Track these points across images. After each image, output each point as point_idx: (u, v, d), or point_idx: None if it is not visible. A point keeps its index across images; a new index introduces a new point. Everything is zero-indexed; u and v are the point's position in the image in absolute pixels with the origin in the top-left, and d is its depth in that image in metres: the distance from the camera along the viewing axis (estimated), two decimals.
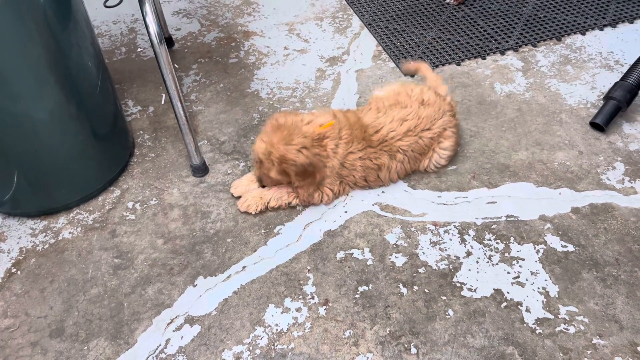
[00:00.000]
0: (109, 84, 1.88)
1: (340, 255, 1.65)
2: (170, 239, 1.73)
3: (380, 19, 2.67)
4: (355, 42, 2.53)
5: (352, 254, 1.65)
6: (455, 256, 1.63)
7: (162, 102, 2.26)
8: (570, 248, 1.62)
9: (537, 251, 1.62)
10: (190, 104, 2.25)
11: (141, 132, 2.13)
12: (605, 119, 1.95)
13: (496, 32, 2.51)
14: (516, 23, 2.56)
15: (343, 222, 1.75)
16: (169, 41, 2.56)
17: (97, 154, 1.84)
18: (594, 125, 1.99)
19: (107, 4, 2.92)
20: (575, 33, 2.48)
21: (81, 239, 1.75)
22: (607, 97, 1.98)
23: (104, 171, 1.89)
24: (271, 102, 2.22)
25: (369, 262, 1.62)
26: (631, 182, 1.80)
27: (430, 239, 1.68)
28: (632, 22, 2.52)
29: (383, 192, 1.83)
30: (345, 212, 1.78)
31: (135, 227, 1.78)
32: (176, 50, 2.56)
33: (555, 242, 1.64)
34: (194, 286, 1.60)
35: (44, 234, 1.78)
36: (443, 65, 2.35)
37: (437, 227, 1.71)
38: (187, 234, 1.74)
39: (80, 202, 1.86)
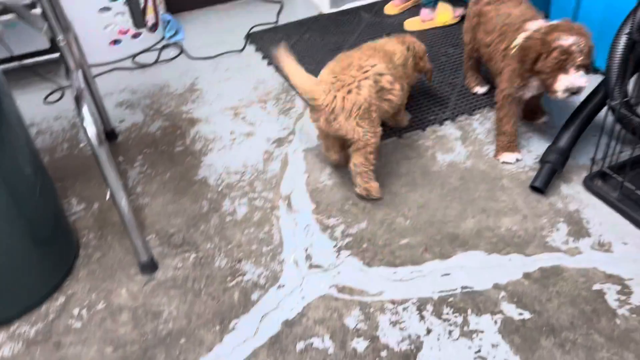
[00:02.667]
0: (49, 185, 1.83)
1: (300, 346, 1.60)
2: (120, 346, 1.64)
3: None
4: (300, 122, 2.58)
5: (312, 343, 1.60)
6: (416, 335, 1.61)
7: (107, 198, 2.19)
8: (527, 315, 1.63)
9: (495, 322, 1.62)
10: (137, 196, 2.21)
11: (86, 231, 2.06)
12: (543, 182, 2.03)
13: (433, 104, 2.63)
14: (450, 94, 2.69)
15: (301, 309, 1.71)
16: (111, 134, 2.54)
17: (39, 261, 1.76)
18: (533, 188, 2.07)
19: (48, 99, 2.90)
20: None
21: (23, 355, 1.64)
22: (542, 161, 2.08)
23: (47, 278, 1.80)
24: (220, 189, 2.21)
25: (330, 351, 1.58)
26: (575, 242, 1.86)
27: (390, 319, 1.66)
28: None
29: (339, 272, 1.82)
30: (302, 297, 1.75)
31: (82, 335, 1.68)
32: (120, 142, 2.54)
33: (511, 310, 1.65)
34: None
35: None
36: (385, 139, 2.41)
37: (395, 305, 1.70)
38: (138, 339, 1.66)
39: (22, 313, 1.75)
